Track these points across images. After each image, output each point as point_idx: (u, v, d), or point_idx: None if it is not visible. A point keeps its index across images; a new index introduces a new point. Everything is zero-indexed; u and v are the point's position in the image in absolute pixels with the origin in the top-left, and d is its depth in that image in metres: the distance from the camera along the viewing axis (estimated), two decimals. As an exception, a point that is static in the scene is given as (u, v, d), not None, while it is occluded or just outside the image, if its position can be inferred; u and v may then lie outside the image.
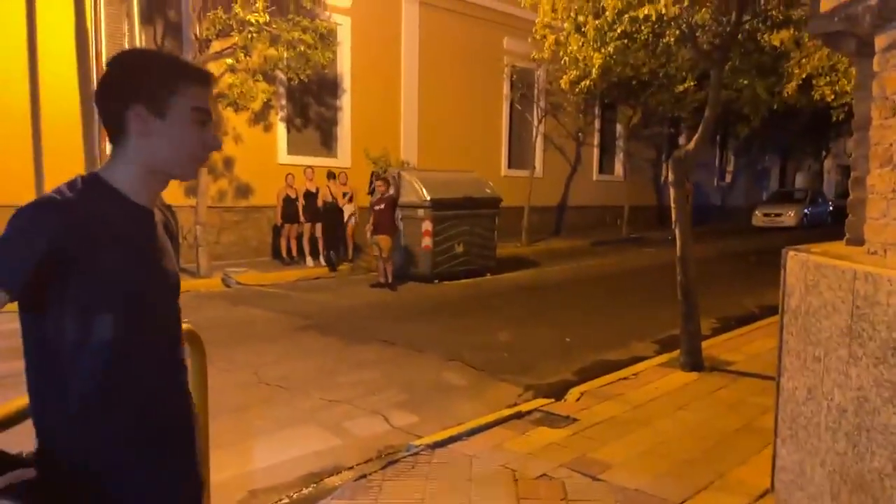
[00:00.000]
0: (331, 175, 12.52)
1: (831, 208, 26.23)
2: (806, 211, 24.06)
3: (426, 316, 8.47)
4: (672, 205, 5.68)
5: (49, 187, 9.73)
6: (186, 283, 10.10)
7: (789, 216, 23.49)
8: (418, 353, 6.41)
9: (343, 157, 14.27)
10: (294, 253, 12.36)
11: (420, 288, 10.55)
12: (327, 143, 14.31)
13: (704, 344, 5.88)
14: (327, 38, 11.36)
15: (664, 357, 6.01)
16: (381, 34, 14.76)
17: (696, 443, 4.05)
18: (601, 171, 21.83)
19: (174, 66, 1.35)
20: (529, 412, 4.57)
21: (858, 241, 2.89)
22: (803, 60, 8.20)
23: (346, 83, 14.26)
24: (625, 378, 5.37)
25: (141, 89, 1.30)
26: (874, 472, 2.15)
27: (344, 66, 14.12)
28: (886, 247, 2.50)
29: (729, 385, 5.20)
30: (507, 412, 4.60)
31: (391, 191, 10.69)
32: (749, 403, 4.73)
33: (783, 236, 20.67)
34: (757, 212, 24.46)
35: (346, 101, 14.32)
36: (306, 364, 6.04)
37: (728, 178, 28.86)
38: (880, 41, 2.53)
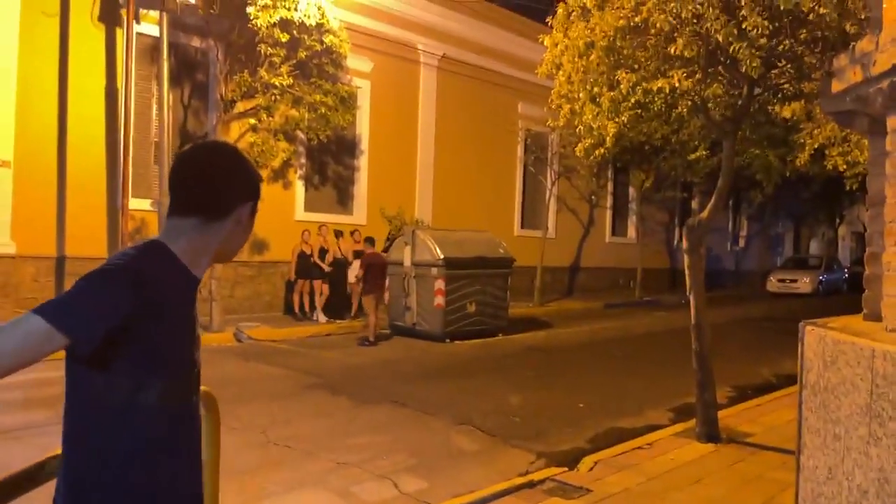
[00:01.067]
0: (338, 233, 12.70)
1: (847, 275, 26.05)
2: (821, 278, 23.90)
3: (437, 376, 8.40)
4: (686, 271, 5.68)
5: (70, 242, 9.94)
6: (199, 338, 10.13)
7: (805, 283, 23.34)
8: (429, 415, 6.33)
9: (359, 214, 14.48)
10: (307, 308, 12.40)
11: (431, 347, 10.50)
12: (343, 201, 14.54)
13: (721, 413, 5.77)
14: (348, 101, 11.71)
15: (679, 426, 5.89)
16: (400, 97, 15.20)
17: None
18: (614, 233, 21.92)
19: (255, 171, 1.54)
20: (542, 481, 4.47)
21: (876, 317, 2.87)
22: (815, 131, 8.32)
23: (364, 144, 14.60)
24: (639, 448, 5.26)
25: (256, 189, 1.51)
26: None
27: (362, 127, 14.50)
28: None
29: (747, 458, 5.07)
30: (518, 481, 4.51)
31: (373, 250, 11.08)
32: (768, 479, 4.60)
33: (798, 302, 20.46)
34: (772, 277, 24.36)
35: (363, 161, 14.63)
36: (316, 424, 5.98)
37: (741, 243, 28.84)
38: (892, 122, 2.58)
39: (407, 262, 11.42)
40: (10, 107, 9.87)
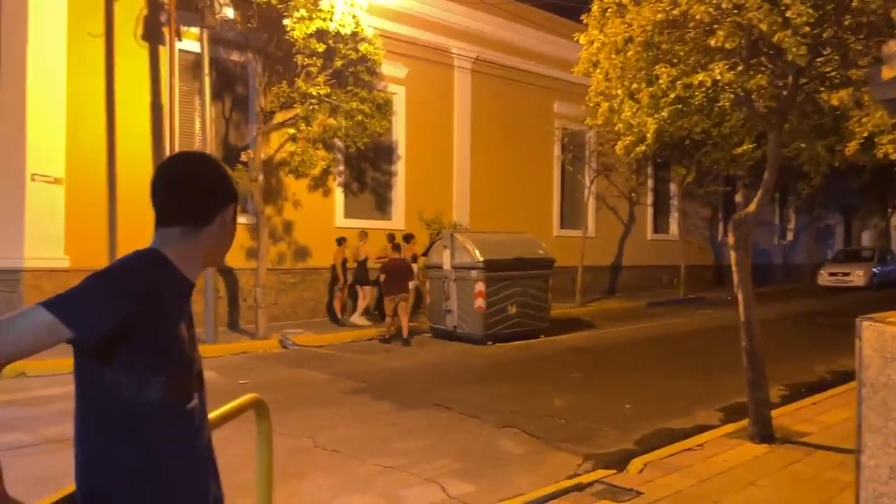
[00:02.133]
0: (362, 235, 12.81)
1: (902, 267, 25.07)
2: (875, 270, 23.06)
3: (479, 379, 8.39)
4: (733, 267, 5.55)
5: (121, 254, 10.31)
6: (245, 345, 10.36)
7: (858, 276, 22.57)
8: (472, 418, 6.33)
9: (398, 219, 14.57)
10: (349, 313, 12.60)
11: (473, 350, 10.49)
12: (382, 206, 14.66)
13: (774, 413, 5.60)
14: (384, 108, 11.80)
15: (731, 427, 5.75)
16: (435, 102, 15.25)
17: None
18: (655, 230, 21.56)
19: (232, 176, 1.62)
20: (590, 483, 4.42)
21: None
22: (864, 119, 8.02)
23: (401, 149, 14.70)
24: (690, 449, 5.15)
25: (234, 191, 1.59)
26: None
27: (399, 132, 14.60)
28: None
29: (803, 459, 4.91)
30: (566, 483, 4.46)
31: (396, 254, 11.31)
32: (826, 479, 4.46)
33: (852, 296, 19.78)
34: (823, 271, 23.63)
35: (400, 166, 14.73)
36: (361, 429, 6.03)
37: (789, 237, 28.01)
38: (949, 107, 2.48)
39: (447, 266, 11.44)
40: (61, 126, 10.25)
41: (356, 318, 12.46)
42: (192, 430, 1.48)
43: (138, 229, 10.72)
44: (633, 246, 20.22)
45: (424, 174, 14.97)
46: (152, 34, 11.10)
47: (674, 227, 21.69)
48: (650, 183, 20.78)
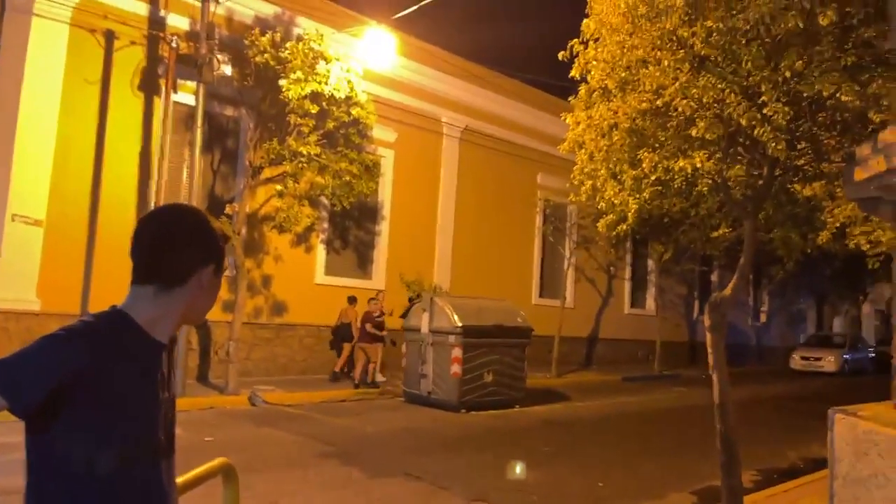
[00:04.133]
0: (351, 300, 12.88)
1: (872, 354, 25.45)
2: (846, 356, 23.37)
3: (452, 448, 8.23)
4: (709, 349, 5.60)
5: (94, 301, 10.08)
6: (213, 400, 10.10)
7: (829, 361, 22.83)
8: (443, 490, 6.17)
9: (378, 279, 14.57)
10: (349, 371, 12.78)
11: (446, 417, 10.32)
12: (363, 265, 14.68)
13: (747, 499, 5.56)
14: (372, 170, 11.99)
15: (704, 511, 5.68)
16: (422, 167, 15.54)
17: None
18: (633, 304, 21.76)
19: (219, 231, 1.52)
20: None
21: (909, 407, 2.81)
22: (836, 210, 8.33)
23: (386, 210, 14.86)
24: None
25: (216, 251, 1.49)
26: None
27: (385, 194, 14.79)
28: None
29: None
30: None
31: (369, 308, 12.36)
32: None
33: (823, 382, 19.92)
34: (795, 355, 23.89)
35: (384, 227, 14.84)
36: (327, 496, 5.85)
37: (763, 319, 28.40)
38: (916, 212, 2.61)
39: (424, 329, 11.38)
40: (46, 168, 10.25)
41: (379, 376, 12.59)
42: (152, 499, 1.40)
43: (115, 278, 10.60)
44: (611, 319, 20.34)
45: (407, 236, 15.08)
46: (148, 85, 11.29)
47: (650, 302, 21.91)
48: (628, 258, 21.13)
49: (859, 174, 2.87)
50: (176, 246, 1.44)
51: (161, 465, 1.42)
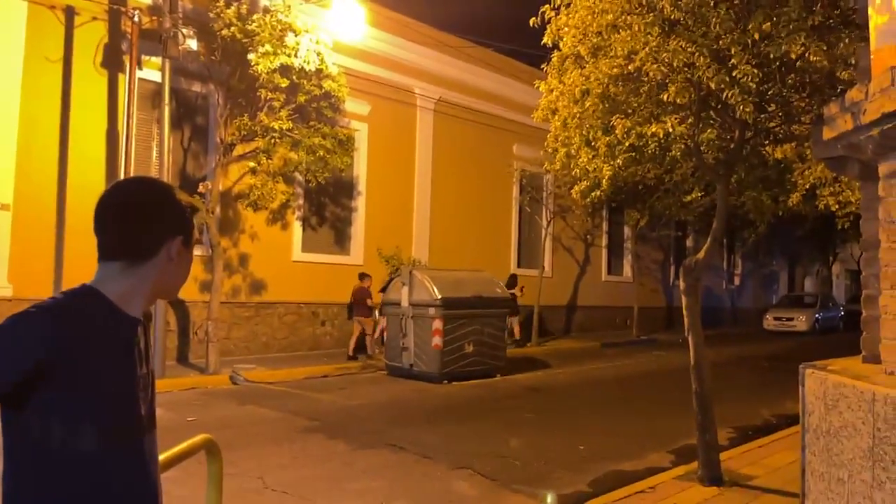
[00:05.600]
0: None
1: (843, 313, 26.14)
2: (817, 316, 23.99)
3: (435, 419, 8.32)
4: (684, 311, 5.71)
5: (67, 285, 9.88)
6: (194, 380, 10.06)
7: (801, 321, 23.44)
8: (427, 459, 6.25)
9: (356, 255, 14.52)
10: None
11: (429, 388, 10.42)
12: (341, 241, 14.60)
13: (722, 455, 5.72)
14: (346, 144, 11.86)
15: (681, 469, 5.82)
16: (397, 140, 15.41)
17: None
18: (610, 271, 22.00)
19: (186, 202, 1.49)
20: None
21: (875, 359, 2.90)
22: (806, 172, 8.47)
23: (362, 185, 14.75)
24: (642, 491, 5.19)
25: (184, 221, 1.46)
26: None
27: (360, 168, 14.66)
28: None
29: (751, 502, 5.01)
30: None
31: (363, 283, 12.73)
32: (772, 523, 4.54)
33: (795, 341, 20.43)
34: (768, 316, 24.47)
35: (360, 202, 14.75)
36: (313, 469, 5.89)
37: (737, 281, 28.95)
38: (883, 168, 2.66)
39: (404, 303, 11.41)
40: (11, 150, 9.97)
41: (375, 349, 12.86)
42: (135, 476, 1.38)
43: (87, 260, 10.48)
44: (589, 286, 20.57)
45: (384, 210, 15.01)
46: (112, 62, 10.97)
47: (627, 269, 22.18)
48: (605, 226, 21.29)
49: (827, 133, 2.91)
50: (142, 218, 1.41)
51: (143, 441, 1.40)
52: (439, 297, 10.92)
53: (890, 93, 2.37)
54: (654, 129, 4.99)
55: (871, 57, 2.73)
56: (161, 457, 1.71)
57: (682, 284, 5.68)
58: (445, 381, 10.76)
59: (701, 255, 5.69)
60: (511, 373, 11.79)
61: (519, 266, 18.50)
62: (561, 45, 5.55)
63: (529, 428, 7.86)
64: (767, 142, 6.07)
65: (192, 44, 10.40)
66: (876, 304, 2.81)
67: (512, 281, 15.29)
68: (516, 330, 15.37)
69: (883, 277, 2.66)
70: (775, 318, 24.03)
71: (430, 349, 10.91)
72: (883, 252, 2.67)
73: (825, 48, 4.32)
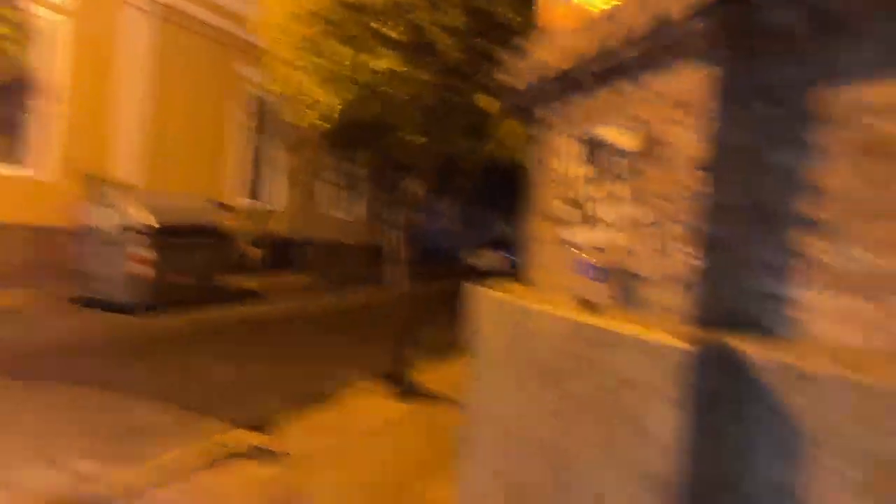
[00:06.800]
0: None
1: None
2: (511, 256, 28.18)
3: (136, 353, 7.71)
4: (398, 247, 6.09)
5: None
6: None
7: (498, 260, 27.50)
8: (115, 392, 5.79)
9: (41, 168, 12.32)
10: None
11: (133, 321, 9.57)
12: (18, 150, 12.23)
13: (414, 372, 6.31)
14: (31, 34, 9.92)
15: (375, 385, 6.30)
16: (106, 42, 13.33)
17: (401, 466, 4.31)
18: (340, 208, 22.32)
19: None
20: (236, 447, 4.42)
21: (529, 282, 3.42)
22: (503, 122, 9.42)
23: (59, 88, 12.49)
24: (337, 408, 5.51)
25: None
26: (534, 485, 2.51)
27: (57, 68, 12.35)
28: (542, 284, 3.01)
29: (438, 414, 5.64)
30: (211, 448, 4.39)
31: None
32: (451, 428, 5.19)
33: (494, 278, 23.41)
34: (472, 257, 28.24)
35: (54, 108, 12.51)
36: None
37: (449, 224, 32.18)
38: (538, 113, 3.09)
39: (105, 226, 10.20)
40: None
41: None
42: None
43: None
44: (314, 222, 20.62)
45: (86, 122, 12.99)
46: None
47: (358, 207, 22.74)
48: (336, 163, 21.39)
49: (506, 81, 3.27)
50: None
51: None
52: (147, 222, 9.99)
53: (546, 47, 2.74)
54: (379, 64, 5.08)
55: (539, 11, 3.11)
56: None
57: (397, 223, 6.02)
58: (151, 313, 9.97)
59: (415, 193, 6.08)
60: (226, 305, 11.40)
61: (253, 198, 17.73)
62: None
63: (235, 359, 7.72)
64: (475, 90, 6.59)
65: None
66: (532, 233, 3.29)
67: (227, 208, 14.40)
68: (252, 257, 14.87)
69: (534, 211, 3.12)
70: (478, 258, 27.91)
71: (135, 278, 9.97)
72: (537, 188, 3.13)
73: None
